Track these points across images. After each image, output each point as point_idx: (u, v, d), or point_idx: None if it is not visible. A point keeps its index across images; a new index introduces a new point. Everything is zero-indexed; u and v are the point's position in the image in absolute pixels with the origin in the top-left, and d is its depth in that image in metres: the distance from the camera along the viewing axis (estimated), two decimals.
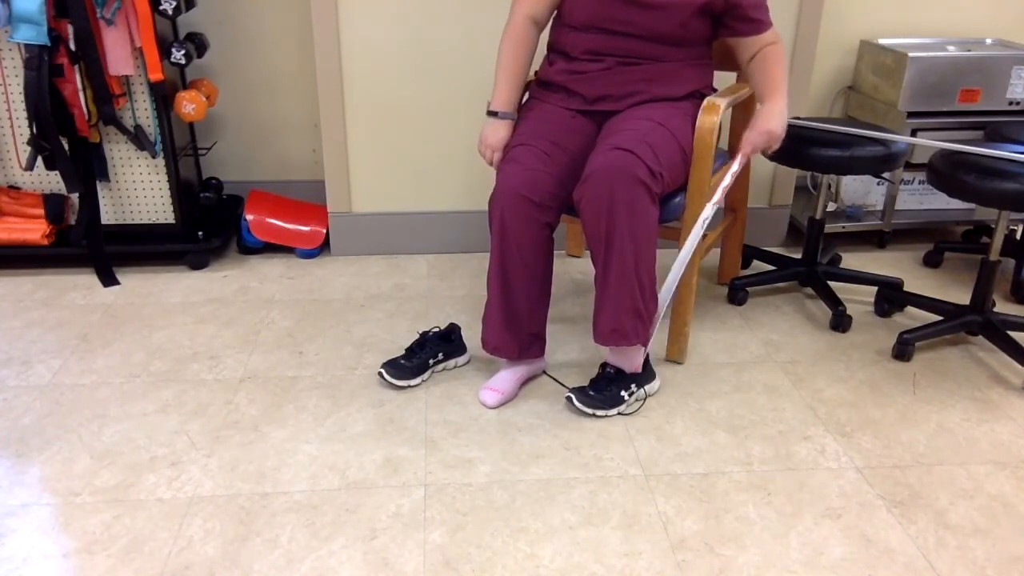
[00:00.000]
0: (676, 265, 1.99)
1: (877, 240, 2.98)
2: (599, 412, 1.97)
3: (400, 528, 1.63)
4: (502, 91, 2.00)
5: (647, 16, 1.90)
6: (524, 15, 2.00)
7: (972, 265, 2.84)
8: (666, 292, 2.00)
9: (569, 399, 1.97)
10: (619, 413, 1.99)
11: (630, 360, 2.00)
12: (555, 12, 2.02)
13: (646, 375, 2.04)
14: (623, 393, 1.99)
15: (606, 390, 1.98)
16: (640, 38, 1.92)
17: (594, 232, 1.86)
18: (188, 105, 2.52)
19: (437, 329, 2.15)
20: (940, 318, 2.31)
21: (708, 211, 1.96)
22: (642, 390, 2.03)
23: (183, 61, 2.46)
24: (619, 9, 1.90)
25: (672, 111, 1.93)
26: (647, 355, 2.05)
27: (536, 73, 2.12)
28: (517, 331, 2.00)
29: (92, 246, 2.57)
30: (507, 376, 2.05)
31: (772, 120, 1.98)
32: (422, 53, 2.62)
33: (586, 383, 2.03)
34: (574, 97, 2.00)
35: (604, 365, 2.03)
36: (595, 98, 1.99)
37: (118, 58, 2.39)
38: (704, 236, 2.16)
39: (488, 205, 1.94)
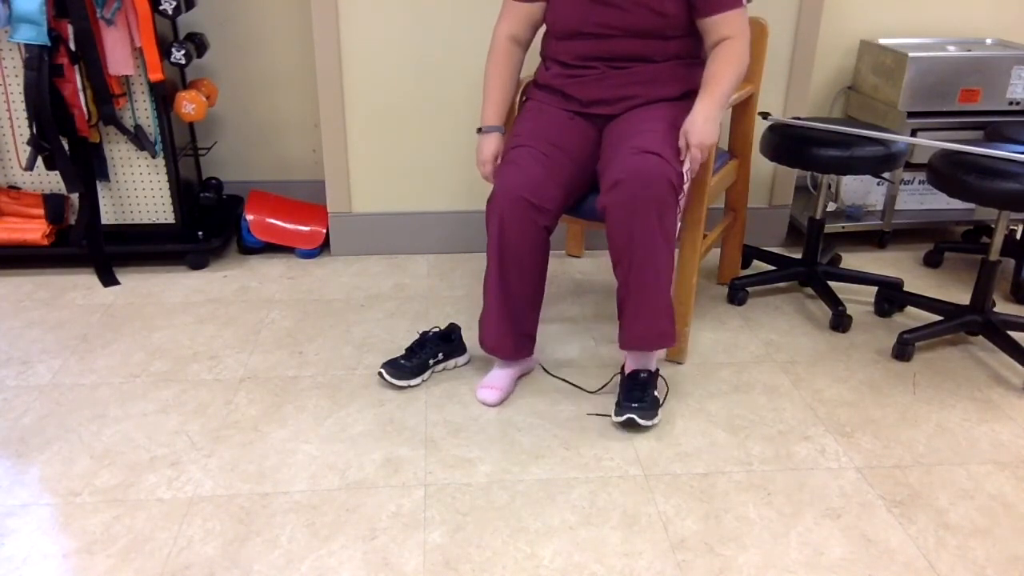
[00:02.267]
0: None
1: (877, 240, 2.98)
2: (654, 421, 1.91)
3: (400, 528, 1.63)
4: (489, 108, 2.03)
5: (623, 15, 1.89)
6: (504, 35, 2.03)
7: (972, 265, 2.84)
8: None
9: (631, 420, 1.88)
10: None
11: (654, 361, 2.00)
12: (542, 26, 2.04)
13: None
14: (656, 394, 1.97)
15: (647, 396, 1.92)
16: (624, 37, 1.92)
17: (625, 237, 1.82)
18: (188, 105, 2.52)
19: (437, 329, 2.15)
20: (940, 318, 2.31)
21: None
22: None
23: (183, 61, 2.46)
24: (595, 12, 1.90)
25: (676, 112, 1.93)
26: None
27: (535, 73, 2.12)
28: (514, 331, 2.00)
29: (92, 246, 2.57)
30: (503, 374, 2.05)
31: (692, 127, 1.83)
32: (422, 53, 2.62)
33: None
34: (571, 100, 2.01)
35: (634, 374, 1.95)
36: (590, 102, 1.99)
37: (118, 58, 2.39)
38: (704, 236, 2.17)
39: (486, 207, 1.94)
